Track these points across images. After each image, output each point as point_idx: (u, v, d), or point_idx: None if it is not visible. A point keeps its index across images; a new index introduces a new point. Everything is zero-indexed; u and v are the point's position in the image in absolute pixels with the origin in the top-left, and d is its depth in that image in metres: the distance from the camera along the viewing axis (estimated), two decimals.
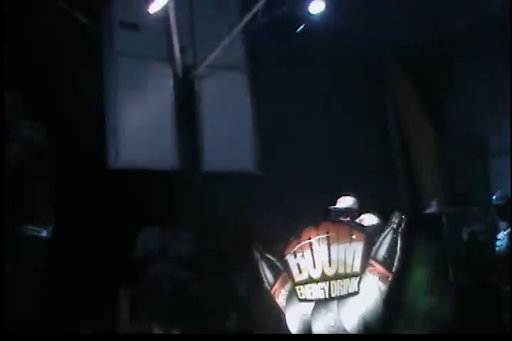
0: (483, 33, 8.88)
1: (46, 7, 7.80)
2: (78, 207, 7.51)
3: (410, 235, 6.03)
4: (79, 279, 7.42)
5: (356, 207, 7.08)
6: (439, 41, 9.19)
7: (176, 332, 6.96)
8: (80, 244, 7.53)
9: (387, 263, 6.04)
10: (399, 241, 6.02)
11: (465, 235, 5.95)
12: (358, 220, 6.90)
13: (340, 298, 6.34)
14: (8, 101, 4.83)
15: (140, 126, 8.07)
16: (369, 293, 6.14)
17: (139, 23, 8.41)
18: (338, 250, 6.45)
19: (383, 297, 6.04)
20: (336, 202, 7.21)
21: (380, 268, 6.09)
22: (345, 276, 6.34)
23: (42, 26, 7.62)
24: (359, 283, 6.23)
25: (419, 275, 5.90)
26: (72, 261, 7.37)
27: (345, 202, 7.10)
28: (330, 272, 6.49)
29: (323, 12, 8.51)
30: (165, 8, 8.15)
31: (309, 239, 6.67)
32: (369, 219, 6.82)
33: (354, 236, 6.38)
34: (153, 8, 8.11)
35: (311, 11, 8.52)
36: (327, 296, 6.45)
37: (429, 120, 9.39)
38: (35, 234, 4.62)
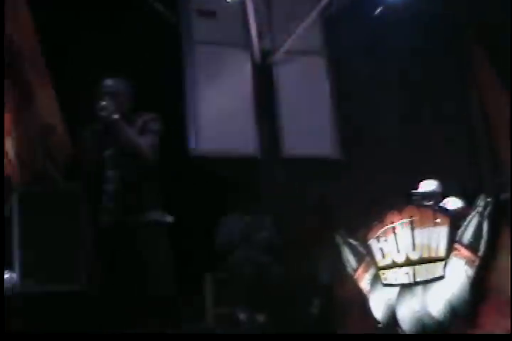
0: None
1: None
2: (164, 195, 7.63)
3: (497, 218, 5.94)
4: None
5: (440, 190, 7.06)
6: None
7: (260, 316, 7.04)
8: (171, 233, 7.65)
9: (473, 247, 5.94)
10: (485, 225, 5.91)
11: None
12: (441, 204, 6.86)
13: (426, 282, 6.28)
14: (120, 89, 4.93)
15: (219, 113, 8.12)
16: (455, 278, 6.05)
17: (216, 11, 8.44)
18: (422, 234, 6.39)
19: (470, 281, 5.97)
20: (418, 186, 7.18)
21: (465, 252, 6.00)
22: (430, 261, 6.28)
23: (119, 16, 7.69)
24: (444, 267, 6.15)
25: (506, 259, 5.79)
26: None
27: (429, 185, 7.08)
28: (414, 256, 6.44)
29: None
30: None
31: (392, 223, 6.64)
32: (453, 203, 6.79)
33: (438, 220, 6.28)
34: None
35: None
36: (412, 281, 6.40)
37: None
38: (164, 219, 4.92)
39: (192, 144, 8.29)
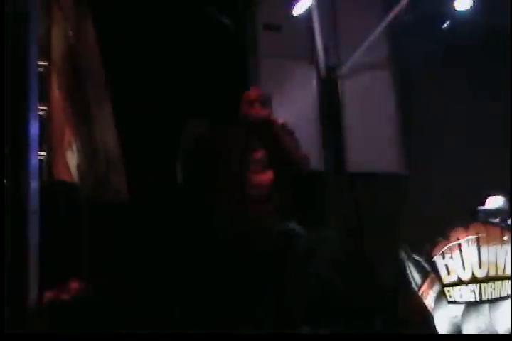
0: None
1: (191, 10, 8.00)
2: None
3: None
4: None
5: (507, 207, 7.01)
6: None
7: (325, 331, 7.02)
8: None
9: None
10: None
11: None
12: (509, 221, 6.78)
13: (492, 301, 6.21)
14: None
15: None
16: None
17: (282, 25, 8.49)
18: (489, 252, 6.33)
19: None
20: (485, 203, 7.10)
21: None
22: (497, 279, 6.23)
23: (187, 30, 7.78)
24: None
25: None
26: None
27: (495, 202, 7.04)
28: (480, 274, 6.35)
29: (469, 8, 8.31)
30: (308, 9, 8.24)
31: (458, 240, 6.54)
32: None
33: (506, 238, 6.26)
34: (298, 10, 8.23)
35: (457, 8, 8.33)
36: (478, 299, 6.31)
37: None
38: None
39: None
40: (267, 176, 4.59)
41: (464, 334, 4.92)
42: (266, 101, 4.79)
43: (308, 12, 8.31)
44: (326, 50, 8.63)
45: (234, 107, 8.13)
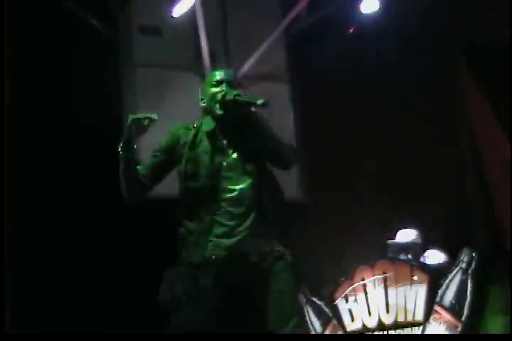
0: None
1: (54, 10, 7.90)
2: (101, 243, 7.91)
3: (484, 276, 5.97)
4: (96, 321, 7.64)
5: (420, 241, 7.08)
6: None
7: None
8: (102, 285, 7.80)
9: (455, 310, 6.00)
10: (469, 284, 5.98)
11: None
12: (421, 258, 6.88)
13: None
14: None
15: None
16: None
17: (161, 27, 8.43)
18: (397, 294, 6.45)
19: None
20: (395, 236, 7.18)
21: (447, 316, 6.05)
22: (406, 325, 6.34)
23: (49, 32, 7.69)
24: (422, 333, 6.19)
25: (495, 325, 5.81)
26: (91, 303, 7.72)
27: (407, 235, 7.11)
28: (388, 320, 6.49)
29: (376, 11, 8.45)
30: (192, 10, 8.20)
31: (363, 280, 6.70)
32: (434, 257, 6.82)
33: (416, 278, 6.36)
34: (178, 11, 8.19)
35: (362, 11, 8.46)
36: None
37: (507, 133, 9.30)
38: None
39: None
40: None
41: (464, 334, 4.96)
42: (235, 79, 4.38)
43: (193, 13, 8.24)
44: (212, 57, 8.56)
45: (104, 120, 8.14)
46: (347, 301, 6.83)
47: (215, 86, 4.20)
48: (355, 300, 6.73)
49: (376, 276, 6.65)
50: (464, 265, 6.07)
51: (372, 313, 6.62)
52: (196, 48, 8.51)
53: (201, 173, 4.15)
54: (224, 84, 4.18)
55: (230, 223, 4.11)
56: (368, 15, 8.50)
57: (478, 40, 9.16)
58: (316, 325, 7.03)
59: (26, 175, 7.74)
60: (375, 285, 6.64)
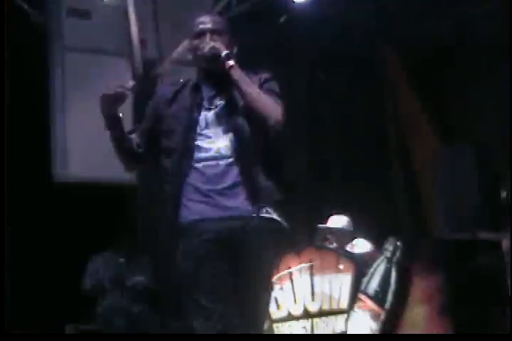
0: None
1: None
2: (25, 231, 7.86)
3: (408, 265, 6.07)
4: (24, 310, 7.64)
5: (350, 228, 7.19)
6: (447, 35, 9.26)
7: None
8: (27, 274, 7.64)
9: (379, 298, 6.06)
10: (393, 273, 6.05)
11: (471, 267, 5.99)
12: (349, 245, 6.95)
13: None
14: None
15: (91, 134, 8.03)
16: (358, 333, 6.18)
17: (91, 11, 8.41)
18: (323, 282, 6.51)
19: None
20: (326, 222, 7.22)
21: (370, 303, 6.11)
22: (331, 313, 6.40)
23: None
24: (347, 321, 6.26)
25: (416, 314, 5.92)
26: (19, 292, 7.60)
27: (338, 221, 7.20)
28: (313, 308, 6.56)
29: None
30: None
31: (289, 268, 6.72)
32: (360, 246, 6.94)
33: (341, 266, 6.42)
34: None
35: None
36: None
37: (433, 128, 9.46)
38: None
39: (58, 168, 8.21)
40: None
41: (464, 334, 4.97)
42: (223, 34, 3.87)
43: None
44: (143, 43, 8.56)
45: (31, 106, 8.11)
46: (273, 289, 6.84)
47: (196, 37, 3.85)
48: (281, 288, 6.74)
49: (302, 264, 6.67)
50: (388, 254, 6.09)
51: (297, 301, 6.65)
52: (127, 34, 8.53)
53: (177, 130, 3.82)
54: (207, 35, 3.81)
55: (205, 186, 3.73)
56: (299, 3, 8.58)
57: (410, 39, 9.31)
58: None
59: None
60: (301, 273, 6.66)
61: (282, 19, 8.94)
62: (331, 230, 7.15)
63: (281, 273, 6.71)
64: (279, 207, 3.76)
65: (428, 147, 8.94)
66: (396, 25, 9.31)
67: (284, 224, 3.75)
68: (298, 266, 6.68)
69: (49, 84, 8.35)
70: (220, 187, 3.72)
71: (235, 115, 3.79)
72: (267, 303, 3.95)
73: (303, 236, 7.25)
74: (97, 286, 7.38)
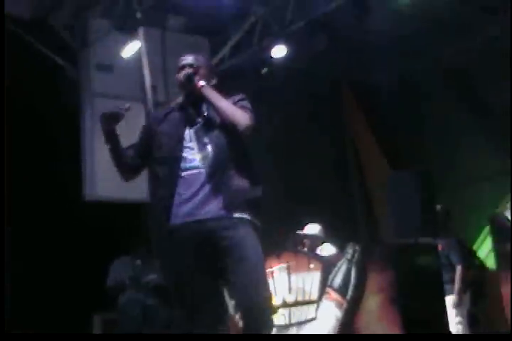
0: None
1: (25, 51, 7.88)
2: (58, 238, 7.69)
3: (364, 265, 6.10)
4: (60, 303, 7.51)
5: (321, 234, 7.13)
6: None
7: None
8: (63, 274, 7.57)
9: (341, 291, 6.13)
10: (353, 271, 6.10)
11: (413, 266, 6.04)
12: (318, 249, 6.96)
13: (300, 323, 6.40)
14: None
15: None
16: (326, 319, 6.22)
17: (114, 65, 8.46)
18: (297, 278, 6.53)
19: (339, 323, 6.09)
20: (302, 229, 7.22)
21: (335, 295, 6.18)
22: (304, 303, 6.42)
23: (21, 70, 7.64)
24: (317, 309, 6.30)
25: (371, 303, 5.95)
26: (56, 288, 7.51)
27: (312, 228, 7.16)
28: (290, 299, 6.56)
29: (284, 56, 8.61)
30: (138, 51, 8.28)
31: (271, 267, 6.71)
32: (327, 249, 6.91)
33: (312, 266, 6.45)
34: (127, 52, 8.31)
35: (273, 55, 8.62)
36: (287, 322, 6.51)
37: (384, 155, 9.55)
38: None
39: (87, 191, 8.26)
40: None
41: (464, 334, 4.87)
42: (197, 67, 3.85)
43: (138, 54, 8.30)
44: (154, 88, 8.61)
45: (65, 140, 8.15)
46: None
47: (178, 71, 3.84)
48: None
49: (281, 265, 6.68)
50: (349, 256, 6.18)
51: (278, 294, 6.65)
52: (142, 82, 8.58)
53: (167, 143, 3.73)
54: (185, 68, 3.79)
55: (187, 192, 3.61)
56: (277, 58, 8.67)
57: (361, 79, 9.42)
58: (232, 303, 7.03)
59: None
60: (280, 271, 6.67)
61: (264, 71, 8.97)
62: (307, 236, 7.13)
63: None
64: (256, 206, 3.61)
65: (380, 172, 9.02)
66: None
67: (256, 221, 3.62)
68: (277, 266, 6.68)
69: (81, 123, 8.42)
70: (199, 192, 3.60)
71: (212, 130, 3.71)
72: (266, 285, 3.65)
73: (282, 242, 7.27)
74: (119, 284, 7.35)
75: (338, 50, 8.73)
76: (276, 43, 8.55)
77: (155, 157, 3.77)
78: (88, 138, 8.33)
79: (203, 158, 3.66)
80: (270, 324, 3.55)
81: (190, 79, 3.73)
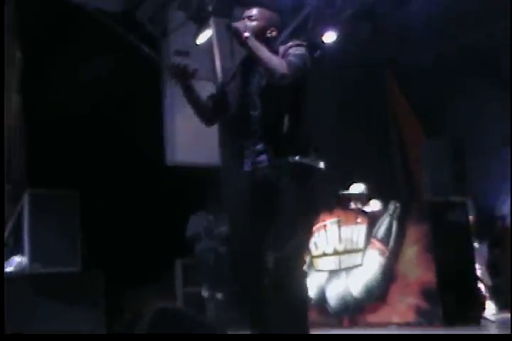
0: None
1: (116, 40, 7.98)
2: (145, 199, 7.78)
3: (404, 219, 6.07)
4: (147, 250, 7.59)
5: (366, 192, 7.07)
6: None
7: (219, 295, 7.09)
8: (149, 227, 7.69)
9: (384, 241, 6.13)
10: (394, 224, 6.08)
11: (445, 220, 5.98)
12: (366, 205, 6.93)
13: (348, 269, 6.42)
14: None
15: (191, 131, 8.08)
16: (370, 265, 6.22)
17: (190, 51, 8.48)
18: (347, 230, 6.55)
19: (381, 268, 6.09)
20: (349, 188, 7.16)
21: (379, 245, 6.18)
22: (352, 251, 6.44)
23: (112, 58, 7.71)
24: (363, 257, 6.32)
25: (409, 253, 5.93)
26: (143, 238, 7.59)
27: (358, 188, 7.10)
28: (340, 248, 6.60)
29: (334, 41, 8.49)
30: (210, 39, 8.29)
31: (324, 221, 6.75)
32: (374, 205, 6.87)
33: (359, 220, 6.46)
34: (200, 39, 8.29)
35: (324, 40, 8.49)
36: (338, 268, 6.54)
37: (420, 124, 9.43)
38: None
39: (169, 156, 8.38)
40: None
41: (464, 334, 4.85)
42: (251, 18, 3.53)
43: (210, 40, 8.30)
44: (224, 69, 8.59)
45: (150, 116, 8.23)
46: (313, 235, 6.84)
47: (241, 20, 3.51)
48: (319, 235, 6.77)
49: (333, 219, 6.69)
50: (390, 211, 6.15)
51: (329, 243, 6.68)
52: (213, 64, 8.59)
53: (236, 100, 3.42)
54: (245, 19, 3.46)
55: (251, 144, 3.33)
56: (328, 44, 8.57)
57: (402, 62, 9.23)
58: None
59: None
60: (332, 225, 6.69)
61: (316, 54, 8.84)
62: (351, 195, 7.10)
63: (319, 225, 6.73)
64: (312, 151, 3.30)
65: (416, 139, 8.89)
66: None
67: (315, 165, 3.29)
68: (329, 220, 6.70)
69: (163, 100, 8.50)
70: (256, 140, 3.33)
71: (264, 80, 3.34)
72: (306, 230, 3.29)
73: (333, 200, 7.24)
74: (195, 235, 7.47)
75: (381, 37, 8.57)
76: (327, 30, 8.41)
77: (229, 117, 3.47)
78: (168, 111, 8.42)
79: (260, 114, 3.34)
80: (297, 280, 3.16)
81: (236, 31, 3.39)
